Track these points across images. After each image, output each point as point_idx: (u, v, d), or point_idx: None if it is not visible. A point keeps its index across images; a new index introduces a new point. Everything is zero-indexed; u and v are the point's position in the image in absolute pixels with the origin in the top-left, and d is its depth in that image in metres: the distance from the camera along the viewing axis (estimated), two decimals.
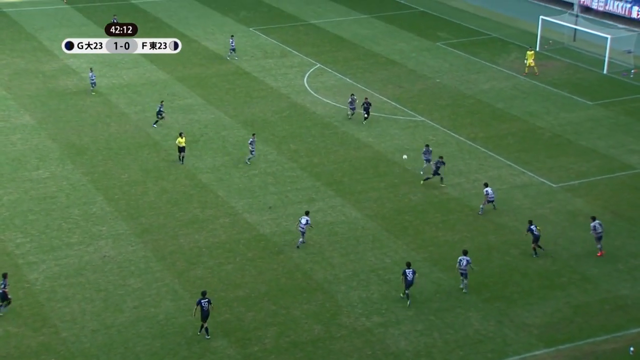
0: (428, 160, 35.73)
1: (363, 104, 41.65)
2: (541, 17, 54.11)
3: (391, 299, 27.67)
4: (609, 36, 49.32)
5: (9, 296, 26.63)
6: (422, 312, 27.06)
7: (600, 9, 59.86)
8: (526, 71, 47.86)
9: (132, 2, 65.85)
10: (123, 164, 37.41)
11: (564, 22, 53.38)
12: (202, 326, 25.77)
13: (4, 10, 63.39)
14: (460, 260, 27.82)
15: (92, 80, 45.44)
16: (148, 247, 30.68)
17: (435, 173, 34.48)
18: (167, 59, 52.50)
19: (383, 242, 31.04)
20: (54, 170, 36.71)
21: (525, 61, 48.48)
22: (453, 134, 40.68)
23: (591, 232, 29.88)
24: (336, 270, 29.35)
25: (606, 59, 49.23)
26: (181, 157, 36.74)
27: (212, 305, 25.84)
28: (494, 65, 50.98)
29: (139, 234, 31.53)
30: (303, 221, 30.40)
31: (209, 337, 25.78)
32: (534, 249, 29.70)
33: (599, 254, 29.83)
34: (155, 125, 40.73)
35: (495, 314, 26.98)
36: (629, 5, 57.77)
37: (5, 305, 26.73)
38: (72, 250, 30.46)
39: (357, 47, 55.40)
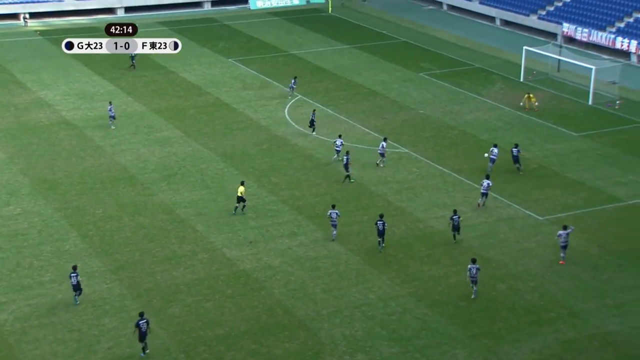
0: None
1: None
2: (525, 47, 55.15)
3: (376, 336, 27.69)
4: (593, 67, 50.27)
5: (81, 286, 28.60)
6: (407, 349, 27.09)
7: (584, 39, 61.16)
8: (535, 108, 48.00)
9: None
10: (98, 198, 37.33)
11: (548, 52, 54.40)
12: (143, 348, 26.10)
13: None
14: (470, 268, 29.22)
15: (111, 114, 45.37)
16: (124, 284, 30.53)
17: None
18: (144, 90, 52.77)
19: (367, 277, 31.13)
20: (26, 206, 36.54)
21: (522, 103, 48.05)
22: (437, 166, 41.13)
23: (556, 238, 31.65)
24: (319, 307, 29.35)
25: (591, 90, 50.16)
26: (238, 208, 34.95)
27: (150, 326, 26.32)
28: (477, 96, 51.76)
29: (114, 271, 31.38)
30: (334, 215, 32.98)
31: (145, 354, 26.04)
32: (454, 236, 32.86)
33: (561, 262, 31.56)
34: (314, 133, 43.83)
35: (482, 351, 27.08)
36: (612, 36, 59.11)
37: (78, 295, 28.97)
38: (44, 289, 30.22)
39: (339, 78, 55.99)
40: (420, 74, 56.79)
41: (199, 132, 45.79)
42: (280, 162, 41.67)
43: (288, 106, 50.27)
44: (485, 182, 36.25)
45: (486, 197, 36.22)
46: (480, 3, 71.98)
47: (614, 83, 51.64)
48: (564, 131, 45.78)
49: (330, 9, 75.25)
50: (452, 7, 75.78)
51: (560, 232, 31.72)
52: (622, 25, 60.75)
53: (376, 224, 32.62)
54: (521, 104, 48.58)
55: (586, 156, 42.27)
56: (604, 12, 62.64)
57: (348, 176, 38.33)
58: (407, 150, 43.10)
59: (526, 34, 66.26)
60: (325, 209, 36.24)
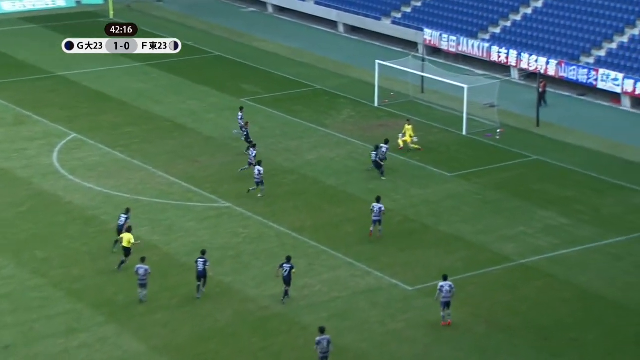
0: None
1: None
2: (377, 61, 57.53)
3: None
4: (465, 85, 53.19)
5: None
6: None
7: (452, 49, 64.82)
8: (401, 145, 49.11)
9: None
10: None
11: (407, 67, 56.99)
12: None
13: None
14: (320, 341, 30.34)
15: None
16: None
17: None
18: None
19: None
20: None
21: (400, 138, 49.08)
22: (272, 224, 41.61)
23: (437, 294, 33.65)
24: None
25: (464, 116, 52.99)
26: (124, 263, 37.04)
27: None
28: (320, 128, 53.17)
29: None
30: (142, 271, 34.50)
31: None
32: (285, 292, 34.88)
33: (442, 323, 33.71)
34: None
35: None
36: (486, 45, 63.06)
37: None
38: None
39: (130, 108, 55.62)
40: (243, 99, 57.56)
41: None
42: (48, 229, 40.55)
43: (58, 149, 49.13)
44: (377, 206, 39.65)
45: (380, 225, 39.72)
46: (317, 3, 74.47)
47: (492, 106, 54.87)
48: (434, 171, 47.90)
49: (111, 12, 74.93)
50: (280, 9, 77.87)
51: (442, 283, 33.60)
52: (497, 30, 65.03)
53: (196, 262, 34.99)
54: (400, 139, 49.30)
55: (463, 203, 44.41)
56: (475, 15, 66.69)
57: (117, 241, 38.33)
58: (229, 205, 43.31)
59: (379, 44, 69.21)
60: (117, 291, 35.50)
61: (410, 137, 49.35)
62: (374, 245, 39.57)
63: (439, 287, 33.69)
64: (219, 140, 51.08)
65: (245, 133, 48.64)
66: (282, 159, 48.76)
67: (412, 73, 57.04)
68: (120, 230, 38.16)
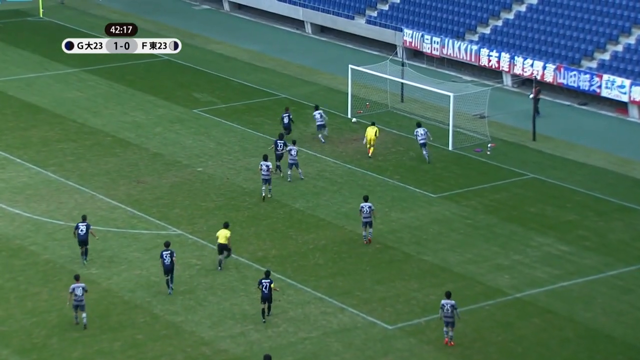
0: None
1: None
2: (350, 66, 57.64)
3: None
4: (451, 94, 53.37)
5: None
6: None
7: (436, 53, 65.06)
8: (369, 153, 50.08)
9: None
10: None
11: (384, 73, 57.08)
12: None
13: None
14: None
15: None
16: None
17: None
18: None
19: None
20: None
21: (365, 142, 50.06)
22: (232, 255, 41.56)
23: (439, 313, 34.99)
24: None
25: (450, 129, 53.13)
26: (222, 262, 39.87)
27: None
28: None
29: None
30: (80, 291, 35.26)
31: None
32: (269, 310, 36.20)
33: (449, 343, 34.87)
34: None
35: None
36: (475, 47, 63.41)
37: None
38: None
39: (64, 121, 55.35)
40: (196, 110, 57.42)
41: None
42: None
43: None
44: (367, 206, 41.72)
45: (371, 227, 41.81)
46: (280, 0, 74.44)
47: (482, 117, 55.15)
48: (417, 191, 47.97)
49: (41, 11, 74.62)
50: (237, 6, 77.91)
51: (444, 301, 34.66)
52: (486, 31, 65.37)
53: (161, 255, 37.56)
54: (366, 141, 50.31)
55: (451, 228, 44.47)
56: (461, 13, 66.93)
57: (83, 253, 39.22)
58: (180, 232, 43.18)
59: (351, 46, 69.36)
60: (49, 334, 35.24)
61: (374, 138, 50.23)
62: (347, 277, 39.56)
63: (440, 305, 34.74)
64: (168, 157, 50.91)
65: (286, 125, 52.07)
66: (242, 178, 48.69)
67: (390, 79, 57.21)
68: (84, 242, 39.40)
